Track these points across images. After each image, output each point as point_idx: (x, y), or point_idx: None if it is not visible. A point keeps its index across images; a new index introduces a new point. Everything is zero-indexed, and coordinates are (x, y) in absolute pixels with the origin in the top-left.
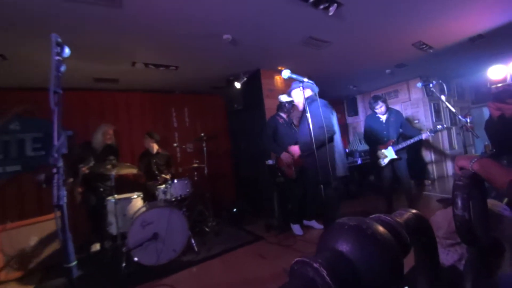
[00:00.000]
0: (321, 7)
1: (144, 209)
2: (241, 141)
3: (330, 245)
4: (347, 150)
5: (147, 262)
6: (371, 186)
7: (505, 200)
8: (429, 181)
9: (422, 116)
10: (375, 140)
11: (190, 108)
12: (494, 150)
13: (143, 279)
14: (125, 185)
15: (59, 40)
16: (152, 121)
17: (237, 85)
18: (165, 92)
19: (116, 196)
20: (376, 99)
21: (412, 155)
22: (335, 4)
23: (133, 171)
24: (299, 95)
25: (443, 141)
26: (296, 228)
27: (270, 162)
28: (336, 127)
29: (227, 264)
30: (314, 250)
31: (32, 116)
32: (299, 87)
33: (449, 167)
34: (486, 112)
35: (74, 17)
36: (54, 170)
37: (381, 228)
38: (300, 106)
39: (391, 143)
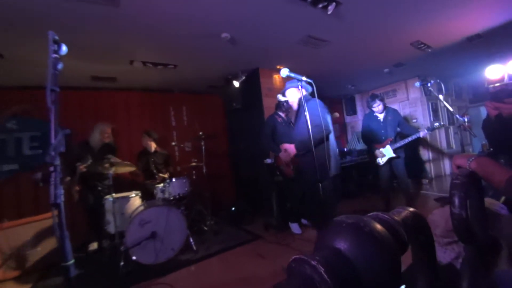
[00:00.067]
0: (320, 6)
1: (142, 208)
2: (240, 140)
3: (328, 243)
4: (345, 149)
5: (146, 261)
6: (369, 185)
7: (502, 198)
8: (427, 180)
9: (420, 116)
10: (373, 139)
11: (188, 107)
12: (492, 149)
13: (141, 278)
14: (123, 184)
15: (56, 37)
16: (151, 120)
17: (236, 84)
18: (163, 91)
19: (114, 194)
20: (373, 97)
21: (410, 154)
22: (334, 3)
23: (131, 169)
24: (294, 95)
25: (441, 140)
26: (295, 227)
27: (268, 161)
28: (331, 127)
29: (226, 263)
30: (312, 248)
31: (29, 115)
32: (294, 86)
33: (446, 166)
34: (483, 112)
35: (72, 16)
36: (51, 169)
37: (378, 226)
38: (295, 106)
39: (389, 142)
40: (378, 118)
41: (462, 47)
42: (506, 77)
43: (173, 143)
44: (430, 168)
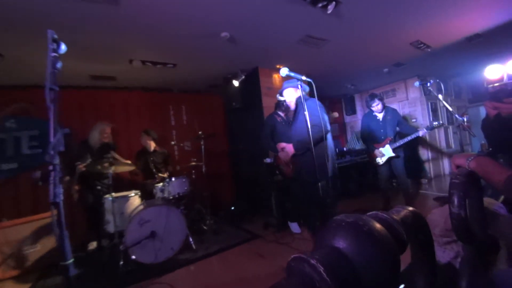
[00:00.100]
0: (320, 5)
1: (141, 207)
2: (239, 140)
3: (327, 242)
4: (345, 149)
5: (145, 260)
6: (368, 185)
7: (501, 198)
8: (426, 180)
9: (420, 115)
10: (372, 139)
11: (188, 107)
12: (491, 148)
13: (140, 277)
14: (123, 183)
15: (55, 36)
16: (150, 119)
17: (235, 83)
18: (163, 90)
19: (113, 194)
20: (372, 97)
21: (409, 154)
22: (334, 3)
23: (131, 168)
24: (292, 94)
25: (440, 140)
26: (294, 226)
27: (268, 160)
28: (329, 126)
29: (225, 262)
30: (311, 248)
31: (28, 114)
32: (291, 86)
33: (445, 166)
34: (482, 111)
35: (71, 15)
36: (51, 168)
37: (378, 225)
38: (292, 105)
39: (388, 141)
40: (377, 118)
41: (461, 47)
42: (505, 77)
43: (173, 143)
44: (430, 167)
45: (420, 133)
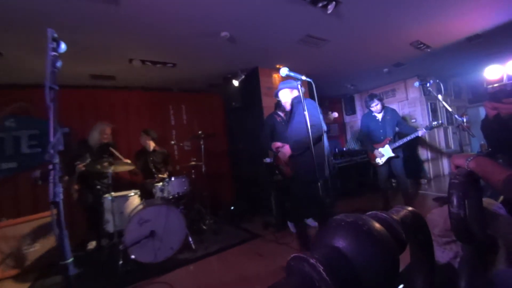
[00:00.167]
0: (320, 5)
1: (141, 206)
2: (239, 139)
3: (326, 241)
4: (344, 149)
5: (144, 259)
6: (368, 185)
7: (501, 198)
8: (425, 180)
9: (419, 115)
10: (371, 139)
11: (188, 106)
12: (490, 149)
13: (140, 276)
14: (122, 182)
15: (55, 35)
16: (150, 119)
17: (235, 83)
18: (162, 90)
19: (113, 193)
20: (371, 97)
21: (409, 154)
22: (334, 2)
23: (130, 168)
24: (287, 95)
25: (440, 140)
26: (293, 226)
27: (268, 160)
28: (324, 127)
29: (224, 262)
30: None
31: (27, 114)
32: (286, 87)
33: (445, 166)
34: (482, 112)
35: (71, 14)
36: (50, 167)
37: (377, 225)
38: (288, 106)
39: (388, 141)
40: (377, 118)
41: (461, 47)
42: (505, 78)
43: (172, 142)
44: (429, 168)
45: (420, 133)
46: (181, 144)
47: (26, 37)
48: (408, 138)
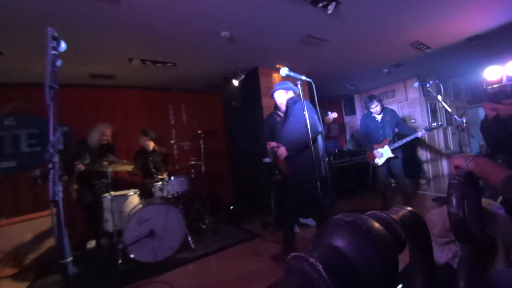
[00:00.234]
0: (320, 5)
1: (140, 206)
2: (239, 139)
3: (326, 241)
4: (344, 149)
5: (144, 259)
6: (367, 185)
7: (500, 199)
8: (425, 180)
9: (419, 116)
10: (371, 140)
11: (187, 106)
12: (489, 150)
13: (139, 276)
14: (121, 182)
15: (55, 34)
16: (149, 118)
17: (235, 82)
18: (162, 89)
19: (112, 193)
20: (371, 98)
21: (408, 155)
22: (334, 3)
23: (130, 167)
24: (282, 96)
25: (439, 141)
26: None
27: (267, 160)
28: (320, 128)
29: (224, 262)
30: (310, 247)
31: (27, 112)
32: (281, 88)
33: (444, 167)
34: (481, 113)
35: (71, 13)
36: (50, 166)
37: (376, 224)
38: (283, 107)
39: (387, 142)
40: (376, 119)
41: (461, 47)
42: (504, 79)
43: (172, 142)
44: (428, 168)
45: (419, 134)
46: (181, 144)
47: (26, 36)
48: (408, 139)
